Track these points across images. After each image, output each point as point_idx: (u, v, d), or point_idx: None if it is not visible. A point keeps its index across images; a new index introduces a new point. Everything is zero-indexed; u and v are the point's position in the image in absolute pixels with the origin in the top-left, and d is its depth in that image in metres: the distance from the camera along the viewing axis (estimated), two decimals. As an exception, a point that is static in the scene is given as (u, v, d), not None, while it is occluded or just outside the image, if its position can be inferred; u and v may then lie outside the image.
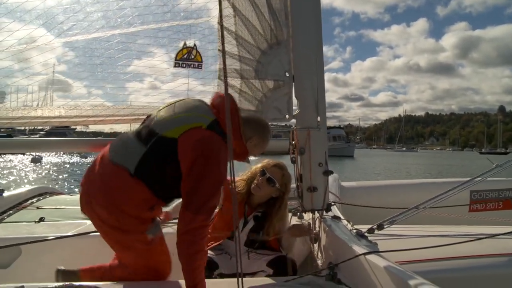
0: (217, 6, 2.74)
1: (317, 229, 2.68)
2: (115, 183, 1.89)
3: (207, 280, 1.91)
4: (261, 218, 2.61)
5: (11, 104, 2.80)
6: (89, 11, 2.70)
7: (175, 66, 2.87)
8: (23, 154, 29.69)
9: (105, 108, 2.83)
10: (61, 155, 36.72)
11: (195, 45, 2.84)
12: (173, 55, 2.85)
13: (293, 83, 2.61)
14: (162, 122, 1.96)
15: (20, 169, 23.62)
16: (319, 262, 2.51)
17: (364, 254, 1.86)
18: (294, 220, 2.89)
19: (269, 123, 2.43)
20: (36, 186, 4.36)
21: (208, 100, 2.15)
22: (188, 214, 1.82)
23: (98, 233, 2.09)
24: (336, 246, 2.22)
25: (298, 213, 3.07)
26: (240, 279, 1.46)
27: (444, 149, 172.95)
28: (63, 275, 2.09)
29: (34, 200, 3.83)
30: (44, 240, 2.60)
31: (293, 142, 2.58)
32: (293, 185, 2.68)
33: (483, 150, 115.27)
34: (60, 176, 20.44)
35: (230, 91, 2.80)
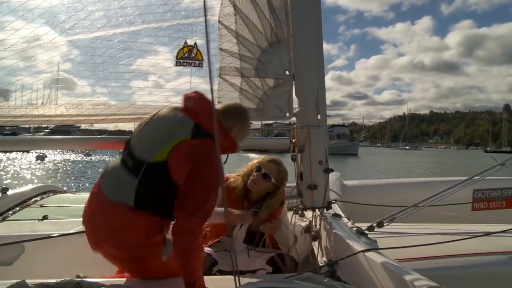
0: (218, 5, 2.76)
1: (318, 227, 2.69)
2: (119, 222, 1.85)
3: (206, 277, 1.92)
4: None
5: (16, 102, 2.81)
6: (90, 10, 2.72)
7: (176, 65, 2.88)
8: (28, 152, 29.86)
9: (106, 107, 2.85)
10: (65, 152, 36.89)
11: (195, 43, 2.85)
12: (174, 54, 2.87)
13: (293, 82, 2.62)
14: (145, 148, 1.91)
15: (23, 168, 23.75)
16: (320, 259, 2.52)
17: (363, 251, 1.86)
18: (295, 218, 2.90)
19: (272, 122, 2.41)
20: (40, 184, 4.40)
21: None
22: (183, 216, 1.81)
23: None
24: (336, 244, 2.22)
25: (300, 211, 3.09)
26: (236, 273, 1.47)
27: (449, 147, 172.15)
28: None
29: (38, 198, 3.87)
30: (47, 237, 2.63)
31: (294, 140, 2.59)
32: (294, 184, 2.69)
33: (488, 149, 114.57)
34: (64, 174, 20.55)
35: (231, 89, 2.82)
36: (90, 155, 33.79)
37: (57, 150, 34.98)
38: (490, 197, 3.98)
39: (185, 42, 2.86)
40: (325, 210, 2.61)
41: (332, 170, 2.58)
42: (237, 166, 2.87)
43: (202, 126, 1.90)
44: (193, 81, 2.90)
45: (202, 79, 2.92)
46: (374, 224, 2.42)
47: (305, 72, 2.55)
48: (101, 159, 30.48)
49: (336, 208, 2.72)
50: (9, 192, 3.67)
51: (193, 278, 1.81)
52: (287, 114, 2.74)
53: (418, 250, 2.11)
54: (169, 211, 1.88)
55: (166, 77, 2.94)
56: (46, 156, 30.57)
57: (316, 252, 2.61)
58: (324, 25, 2.55)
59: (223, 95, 2.79)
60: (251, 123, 2.24)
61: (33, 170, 22.28)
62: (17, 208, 3.51)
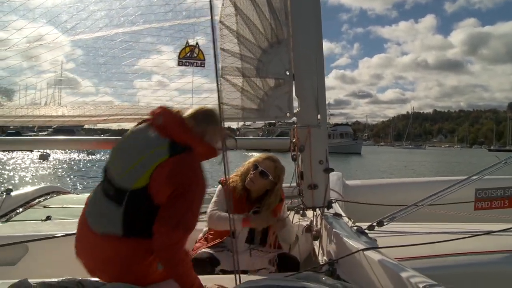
0: (220, 5, 2.76)
1: (318, 226, 2.70)
2: (111, 253, 1.82)
3: (208, 276, 1.93)
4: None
5: (20, 101, 2.82)
6: (92, 10, 2.73)
7: (178, 65, 2.89)
8: (31, 151, 29.97)
9: (108, 107, 2.86)
10: (68, 151, 37.01)
11: (197, 43, 2.86)
12: (177, 54, 2.88)
13: (293, 82, 2.62)
14: (124, 176, 1.86)
15: (26, 167, 23.85)
16: (320, 258, 2.53)
17: (363, 250, 1.87)
18: (296, 218, 2.91)
19: (275, 121, 2.40)
20: (43, 185, 4.43)
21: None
22: (165, 230, 1.76)
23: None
24: (336, 243, 2.23)
25: (300, 211, 3.10)
26: (237, 272, 1.48)
27: (453, 146, 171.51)
28: None
29: (41, 199, 3.90)
30: (50, 237, 2.65)
31: (294, 140, 2.60)
32: (294, 184, 2.70)
33: (492, 147, 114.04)
34: (67, 173, 20.62)
35: (232, 89, 2.82)
36: (94, 154, 33.88)
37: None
38: (493, 196, 3.97)
39: (187, 42, 2.87)
40: (325, 209, 2.62)
41: (332, 170, 2.59)
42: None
43: (176, 140, 1.86)
44: (195, 80, 2.91)
45: (204, 79, 2.93)
46: (374, 223, 2.42)
47: (305, 73, 2.56)
48: (105, 157, 30.50)
49: (337, 208, 2.73)
50: (13, 193, 3.71)
51: (188, 283, 1.80)
52: (288, 114, 2.75)
53: (418, 249, 2.10)
54: None
55: (169, 77, 2.95)
56: (49, 155, 30.70)
57: (317, 252, 2.62)
58: (327, 24, 2.57)
59: (225, 96, 2.79)
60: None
61: (37, 170, 22.38)
62: (21, 209, 3.54)
